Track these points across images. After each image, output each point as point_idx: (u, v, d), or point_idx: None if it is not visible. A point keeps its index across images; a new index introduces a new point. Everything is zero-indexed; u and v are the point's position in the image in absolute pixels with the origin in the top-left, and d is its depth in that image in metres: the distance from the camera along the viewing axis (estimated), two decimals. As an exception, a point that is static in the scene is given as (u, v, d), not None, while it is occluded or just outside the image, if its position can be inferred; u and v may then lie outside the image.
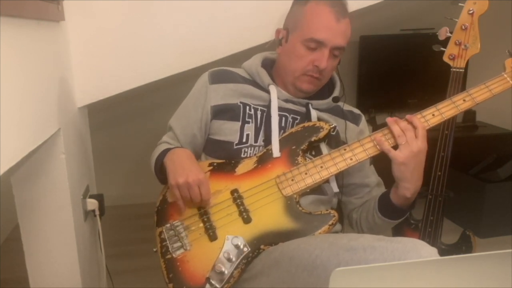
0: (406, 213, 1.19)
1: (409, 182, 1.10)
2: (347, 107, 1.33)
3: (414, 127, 1.09)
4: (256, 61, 1.29)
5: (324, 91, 1.30)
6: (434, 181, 1.42)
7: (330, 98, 1.27)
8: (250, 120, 1.22)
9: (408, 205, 1.17)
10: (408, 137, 1.08)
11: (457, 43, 1.32)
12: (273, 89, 1.23)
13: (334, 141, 1.24)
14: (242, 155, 1.21)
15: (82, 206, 1.43)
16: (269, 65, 1.29)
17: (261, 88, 1.25)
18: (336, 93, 1.29)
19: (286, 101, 1.24)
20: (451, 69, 1.35)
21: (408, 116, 1.11)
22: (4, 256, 2.41)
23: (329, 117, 1.26)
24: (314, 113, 1.23)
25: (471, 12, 1.30)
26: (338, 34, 1.16)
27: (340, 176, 1.22)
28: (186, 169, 1.11)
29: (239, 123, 1.22)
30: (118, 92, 1.47)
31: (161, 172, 1.21)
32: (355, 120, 1.31)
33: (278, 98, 1.23)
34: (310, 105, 1.24)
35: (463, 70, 1.34)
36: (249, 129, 1.21)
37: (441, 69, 1.42)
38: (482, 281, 0.65)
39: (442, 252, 1.30)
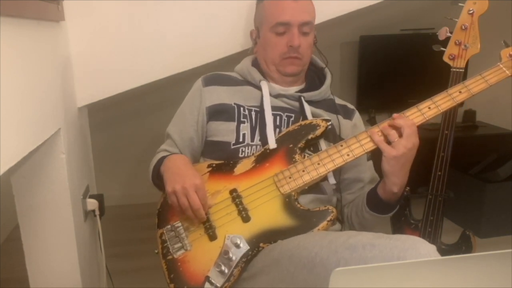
0: (394, 208, 1.20)
1: (397, 177, 1.11)
2: (340, 101, 1.35)
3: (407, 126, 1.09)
4: (246, 62, 1.34)
5: (315, 82, 1.32)
6: (434, 181, 1.42)
7: (322, 88, 1.29)
8: (245, 120, 1.24)
9: (395, 199, 1.17)
10: (406, 133, 1.07)
11: (457, 43, 1.32)
12: (264, 85, 1.26)
13: (332, 135, 1.25)
14: (240, 155, 1.22)
15: (82, 206, 1.43)
16: (259, 65, 1.33)
17: (253, 87, 1.28)
18: (328, 83, 1.31)
19: (278, 96, 1.26)
20: (451, 69, 1.35)
21: (396, 115, 1.12)
22: (4, 256, 2.41)
23: (323, 112, 1.27)
24: (308, 108, 1.25)
25: (471, 12, 1.30)
26: (300, 11, 1.22)
27: (337, 172, 1.23)
28: (182, 175, 1.12)
29: (235, 123, 1.23)
30: (118, 92, 1.47)
31: (158, 180, 1.22)
32: (348, 114, 1.32)
33: (270, 94, 1.26)
34: (302, 98, 1.26)
35: (463, 70, 1.35)
36: (245, 128, 1.23)
37: (441, 69, 1.42)
38: (482, 281, 0.65)
39: (442, 252, 1.30)
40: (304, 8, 1.23)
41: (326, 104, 1.30)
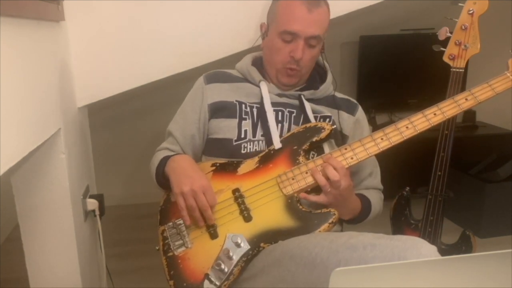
0: (364, 218, 1.25)
1: (341, 209, 1.14)
2: (342, 95, 1.35)
3: (334, 168, 1.10)
4: (246, 61, 1.33)
5: (316, 80, 1.32)
6: (434, 181, 1.42)
7: (322, 87, 1.29)
8: (247, 117, 1.24)
9: (355, 218, 1.23)
10: (332, 182, 1.10)
11: (457, 43, 1.32)
12: (263, 85, 1.27)
13: (333, 131, 1.24)
14: (242, 151, 1.22)
15: (82, 206, 1.43)
16: (259, 63, 1.33)
17: (253, 85, 1.29)
18: (329, 81, 1.31)
19: (280, 95, 1.27)
20: (451, 69, 1.35)
21: (326, 158, 1.13)
22: (4, 256, 2.41)
23: (323, 108, 1.28)
24: (308, 106, 1.25)
25: (471, 12, 1.30)
26: (311, 24, 1.19)
27: None
28: (189, 177, 1.13)
29: (236, 120, 1.24)
30: (118, 92, 1.47)
31: (164, 180, 1.22)
32: (351, 109, 1.32)
33: (270, 92, 1.26)
34: (302, 96, 1.26)
35: (463, 70, 1.35)
36: (246, 125, 1.23)
37: (441, 69, 1.42)
38: (482, 281, 0.65)
39: (442, 252, 1.30)
40: (317, 20, 1.19)
41: (327, 100, 1.30)
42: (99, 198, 1.50)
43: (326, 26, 1.24)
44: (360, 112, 1.33)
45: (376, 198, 1.30)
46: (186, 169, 1.16)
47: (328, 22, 1.24)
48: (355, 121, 1.31)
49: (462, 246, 1.43)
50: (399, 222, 1.51)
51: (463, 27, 1.31)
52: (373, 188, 1.32)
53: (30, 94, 1.03)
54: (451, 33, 1.33)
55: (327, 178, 1.10)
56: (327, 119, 1.26)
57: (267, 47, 1.27)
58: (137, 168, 2.99)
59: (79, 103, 1.46)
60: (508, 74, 1.16)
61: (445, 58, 1.35)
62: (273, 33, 1.23)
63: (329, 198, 1.12)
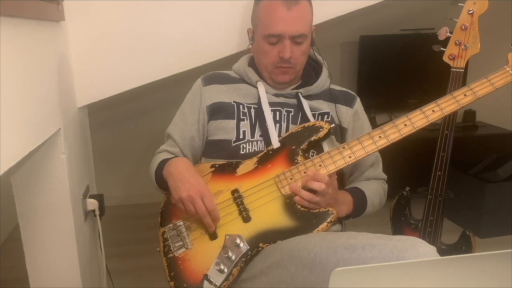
0: (362, 209, 1.25)
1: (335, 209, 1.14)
2: (340, 88, 1.35)
3: (317, 180, 1.11)
4: (243, 62, 1.34)
5: (311, 75, 1.32)
6: (434, 181, 1.42)
7: (318, 82, 1.29)
8: (245, 117, 1.25)
9: (354, 209, 1.23)
10: (319, 192, 1.10)
11: (457, 43, 1.32)
12: (260, 85, 1.27)
13: (332, 129, 1.25)
14: (241, 152, 1.22)
15: (82, 206, 1.43)
16: (255, 64, 1.32)
17: (251, 85, 1.29)
18: (324, 75, 1.31)
19: (277, 95, 1.27)
20: (451, 69, 1.35)
21: (305, 177, 1.13)
22: (4, 256, 2.41)
23: (321, 104, 1.28)
24: (306, 104, 1.25)
25: (471, 12, 1.30)
26: (292, 22, 1.19)
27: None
28: (186, 183, 1.13)
29: (235, 121, 1.24)
30: (118, 92, 1.47)
31: (163, 184, 1.22)
32: (349, 101, 1.32)
33: (268, 93, 1.26)
34: (300, 94, 1.26)
35: (463, 70, 1.35)
36: (245, 126, 1.24)
37: (441, 69, 1.42)
38: (482, 281, 0.65)
39: (442, 252, 1.30)
40: (298, 18, 1.19)
41: (324, 95, 1.30)
42: (99, 198, 1.50)
43: (310, 20, 1.24)
44: (358, 104, 1.33)
45: (373, 190, 1.29)
46: (183, 173, 1.16)
47: (311, 16, 1.24)
48: (353, 113, 1.31)
49: (462, 246, 1.43)
50: (399, 222, 1.51)
51: (463, 27, 1.31)
52: (374, 179, 1.32)
53: (30, 94, 1.03)
54: (451, 33, 1.34)
55: (314, 191, 1.11)
56: (325, 116, 1.26)
57: (256, 52, 1.28)
58: (137, 168, 2.98)
59: (79, 103, 1.46)
60: (508, 69, 1.15)
61: (445, 58, 1.35)
62: (259, 37, 1.24)
63: (322, 205, 1.12)
